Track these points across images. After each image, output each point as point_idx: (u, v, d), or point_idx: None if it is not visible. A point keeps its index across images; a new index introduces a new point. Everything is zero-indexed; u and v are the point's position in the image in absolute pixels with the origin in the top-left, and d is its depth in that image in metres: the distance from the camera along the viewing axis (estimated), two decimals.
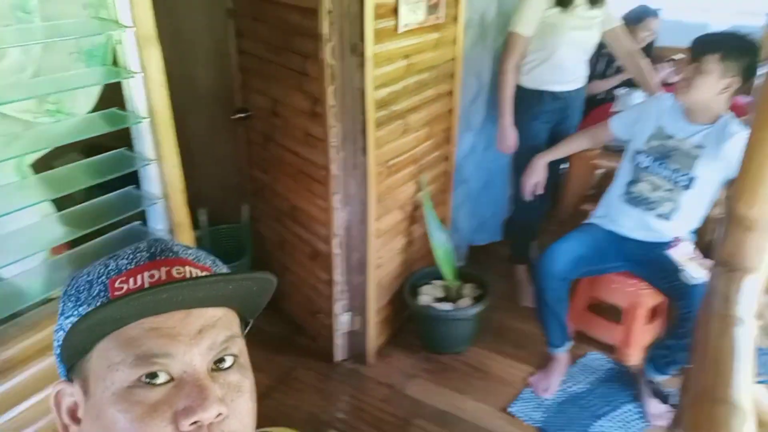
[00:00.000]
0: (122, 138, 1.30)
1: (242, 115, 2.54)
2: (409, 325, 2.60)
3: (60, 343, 0.58)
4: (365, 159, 2.05)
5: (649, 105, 2.27)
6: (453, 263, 2.44)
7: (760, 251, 1.30)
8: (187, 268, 0.60)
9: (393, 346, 2.52)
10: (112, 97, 1.27)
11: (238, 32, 2.45)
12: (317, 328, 2.50)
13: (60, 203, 1.21)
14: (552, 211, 3.08)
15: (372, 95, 1.97)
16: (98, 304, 0.56)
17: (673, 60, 3.71)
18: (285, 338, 2.55)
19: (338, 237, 2.21)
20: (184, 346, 0.56)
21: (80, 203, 1.25)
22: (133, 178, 1.32)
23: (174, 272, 0.59)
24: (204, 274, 0.60)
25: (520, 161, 2.66)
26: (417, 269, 2.58)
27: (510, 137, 2.58)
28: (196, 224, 2.33)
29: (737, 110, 2.24)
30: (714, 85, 1.96)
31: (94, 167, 1.23)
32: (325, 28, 1.87)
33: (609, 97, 3.38)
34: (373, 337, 2.40)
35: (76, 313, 0.58)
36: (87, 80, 1.20)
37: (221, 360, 0.59)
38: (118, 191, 1.30)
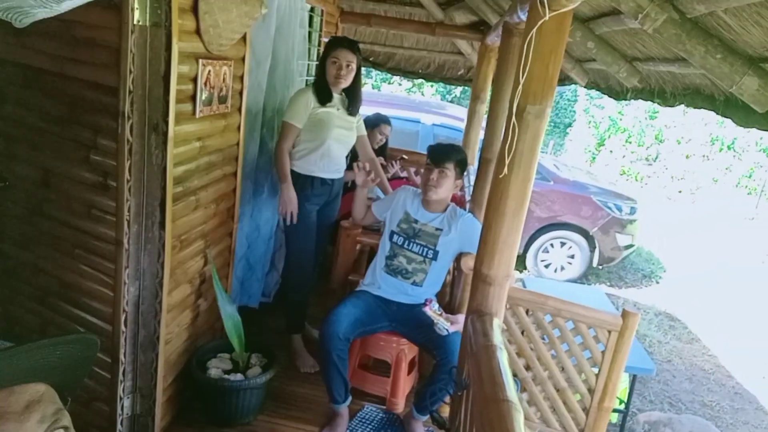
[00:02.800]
0: None
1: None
2: (192, 402, 2.55)
3: None
4: (163, 233, 2.07)
5: (397, 196, 2.80)
6: (242, 334, 2.53)
7: (499, 299, 1.80)
8: None
9: (178, 426, 2.43)
10: None
11: None
12: (90, 419, 2.28)
13: None
14: (324, 282, 3.40)
15: (171, 172, 2.05)
16: None
17: (402, 159, 4.55)
18: None
19: (126, 314, 2.12)
20: (14, 423, 0.55)
21: None
22: None
23: None
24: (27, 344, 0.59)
25: (294, 238, 2.94)
26: (201, 344, 2.59)
27: (293, 199, 2.79)
28: None
29: (455, 200, 2.93)
30: (452, 184, 2.58)
31: None
32: (126, 106, 1.91)
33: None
34: (159, 418, 2.30)
35: None
36: None
37: None
38: None
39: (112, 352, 2.16)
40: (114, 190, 2.01)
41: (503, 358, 1.39)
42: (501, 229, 1.67)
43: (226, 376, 2.43)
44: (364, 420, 2.64)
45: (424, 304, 2.53)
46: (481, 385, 1.31)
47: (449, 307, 2.87)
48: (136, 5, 1.82)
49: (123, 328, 2.13)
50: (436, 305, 2.53)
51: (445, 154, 2.60)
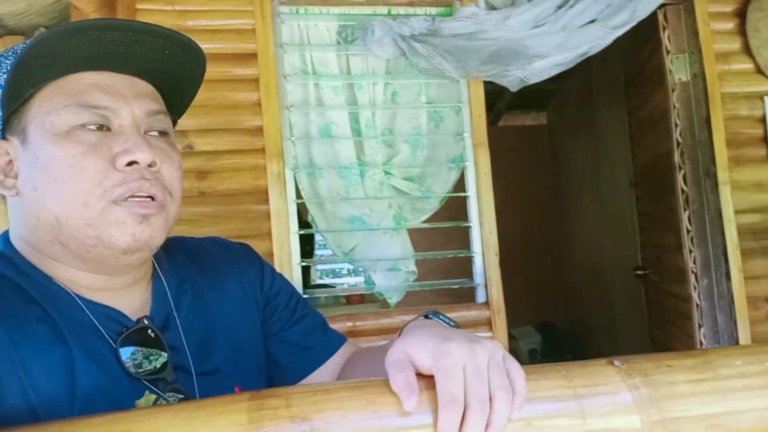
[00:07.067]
0: None
1: (640, 272, 2.69)
2: None
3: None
4: (730, 285, 1.90)
5: None
6: None
7: None
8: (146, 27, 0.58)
9: None
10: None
11: (638, 197, 2.73)
12: None
13: None
14: None
15: (732, 219, 1.91)
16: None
17: None
18: None
19: None
20: (123, 103, 0.58)
21: None
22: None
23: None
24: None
25: None
26: None
27: None
28: None
29: None
30: None
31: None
32: (676, 157, 2.03)
33: None
34: None
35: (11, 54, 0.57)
36: (452, 175, 1.89)
37: (152, 129, 0.61)
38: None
39: None
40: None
41: None
42: None
43: None
44: None
45: None
46: None
47: None
48: (671, 66, 2.03)
49: None
50: None
51: None
